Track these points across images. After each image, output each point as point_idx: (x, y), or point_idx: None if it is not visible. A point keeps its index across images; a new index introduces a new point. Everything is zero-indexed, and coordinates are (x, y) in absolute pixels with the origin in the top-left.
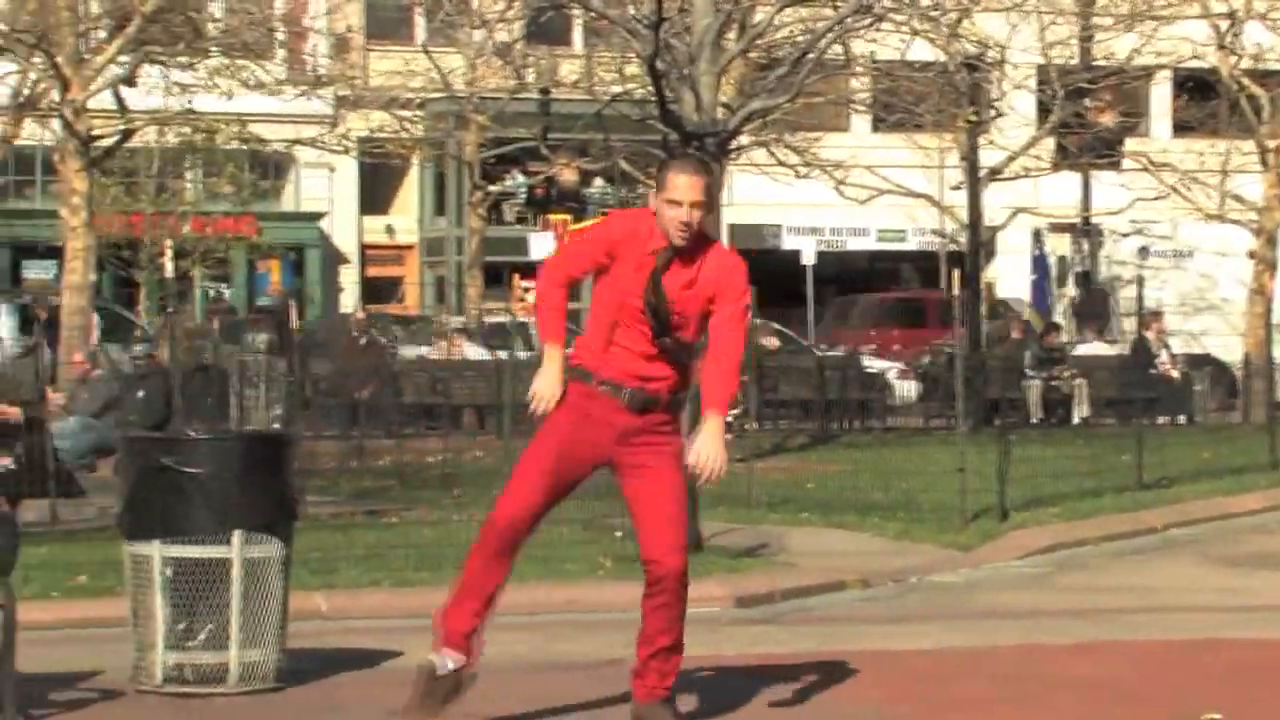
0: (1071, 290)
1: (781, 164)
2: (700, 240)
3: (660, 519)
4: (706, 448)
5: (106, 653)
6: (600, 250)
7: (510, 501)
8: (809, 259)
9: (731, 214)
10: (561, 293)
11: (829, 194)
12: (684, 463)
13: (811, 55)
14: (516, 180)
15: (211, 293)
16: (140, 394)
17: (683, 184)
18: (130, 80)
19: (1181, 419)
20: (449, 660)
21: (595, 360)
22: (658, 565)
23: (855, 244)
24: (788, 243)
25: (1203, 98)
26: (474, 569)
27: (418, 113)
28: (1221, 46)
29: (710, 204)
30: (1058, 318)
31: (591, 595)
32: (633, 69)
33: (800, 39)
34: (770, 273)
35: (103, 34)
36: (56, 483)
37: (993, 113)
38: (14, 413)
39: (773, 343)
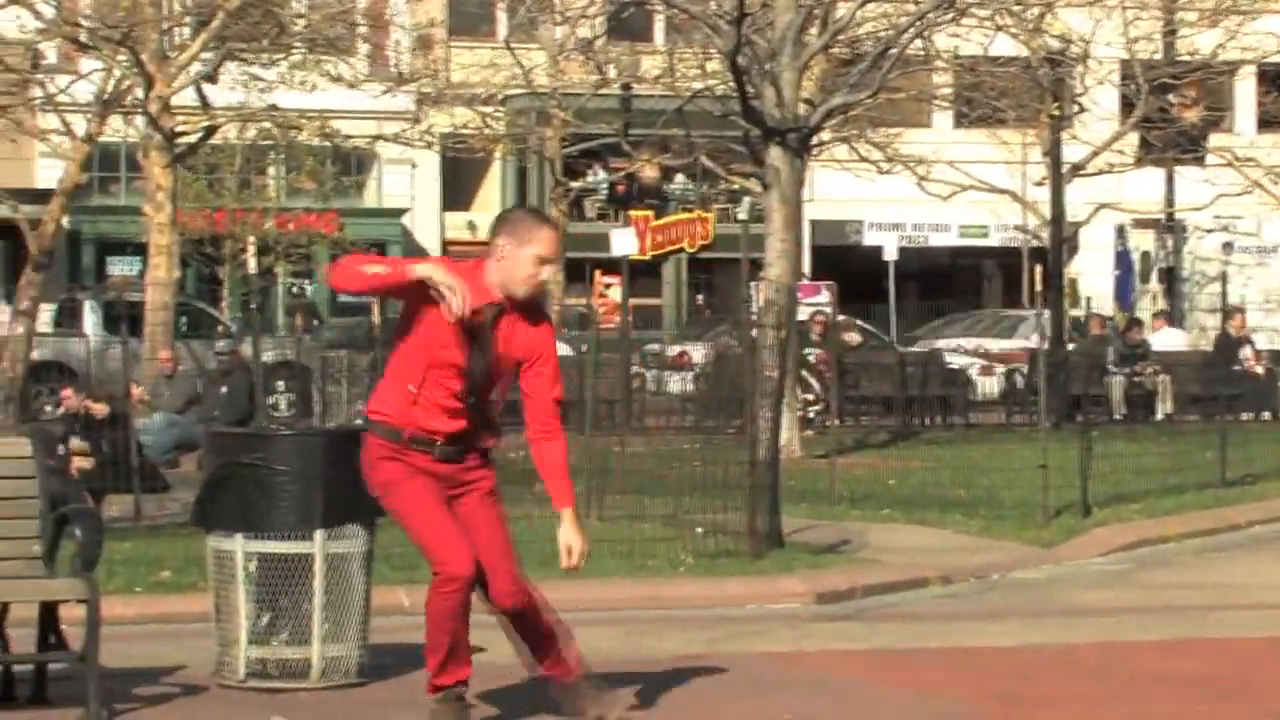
0: (1155, 286)
1: (863, 160)
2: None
3: (494, 564)
4: (569, 540)
5: (189, 648)
6: (410, 284)
7: (455, 555)
8: (891, 255)
9: (813, 210)
10: (364, 264)
11: (911, 189)
12: (498, 494)
13: (894, 51)
14: (598, 176)
15: (294, 289)
16: (224, 390)
17: (552, 240)
18: (213, 77)
19: (1265, 415)
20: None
21: (397, 417)
22: (499, 602)
23: (937, 240)
24: (869, 239)
25: None
26: (453, 630)
27: (499, 108)
28: None
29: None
30: (1141, 313)
31: (673, 591)
32: (714, 65)
33: (882, 34)
34: (852, 269)
35: (186, 31)
36: (141, 478)
37: (1076, 108)
38: (100, 408)
39: (854, 338)
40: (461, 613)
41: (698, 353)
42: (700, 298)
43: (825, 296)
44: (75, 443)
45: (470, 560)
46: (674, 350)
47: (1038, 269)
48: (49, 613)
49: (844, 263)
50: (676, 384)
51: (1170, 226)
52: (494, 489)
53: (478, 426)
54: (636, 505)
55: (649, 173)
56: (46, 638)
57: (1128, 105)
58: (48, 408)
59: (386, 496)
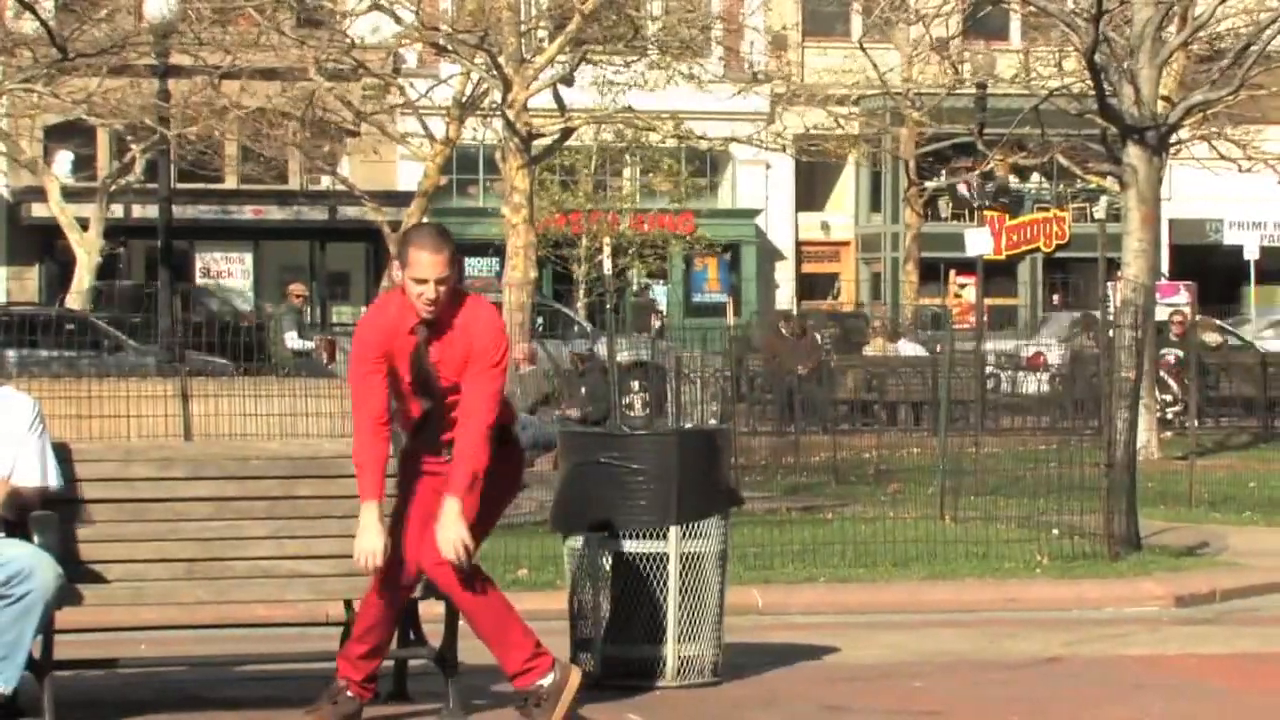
0: None
1: (1223, 158)
2: (451, 302)
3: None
4: (444, 535)
5: (546, 645)
6: (376, 365)
7: (397, 569)
8: (1252, 254)
9: (1171, 209)
10: (378, 439)
11: (1273, 187)
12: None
13: (1255, 47)
14: (953, 176)
15: (636, 287)
16: (583, 390)
17: (425, 262)
18: (569, 79)
19: None
20: (350, 694)
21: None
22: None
23: None
24: (1229, 237)
25: None
26: (370, 617)
27: (853, 109)
28: None
29: (455, 273)
30: None
31: (1029, 593)
32: (1071, 63)
33: (1243, 30)
34: (1211, 268)
35: (543, 34)
36: None
37: None
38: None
39: (1214, 339)
40: (383, 608)
41: (1053, 353)
42: (1056, 298)
43: (1184, 296)
44: None
45: (410, 576)
46: (1029, 351)
47: None
48: (409, 610)
49: (1203, 261)
50: (1031, 384)
51: None
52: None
53: (436, 426)
54: (991, 506)
55: (1004, 172)
56: (406, 634)
57: None
58: None
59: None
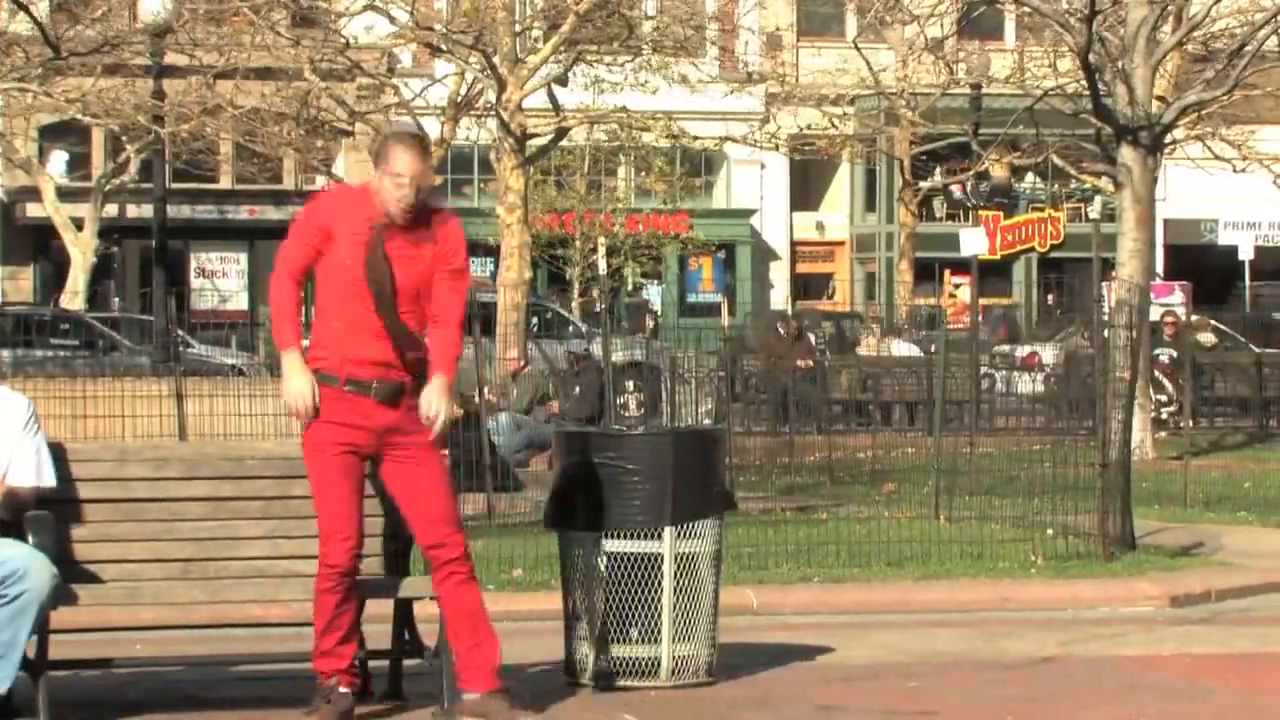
0: None
1: (1218, 158)
2: (421, 212)
3: (434, 506)
4: (431, 401)
5: (541, 645)
6: (312, 234)
7: (336, 544)
8: (1246, 254)
9: (1166, 208)
10: (290, 292)
11: (1268, 188)
12: (438, 452)
13: (1249, 47)
14: (947, 176)
15: (630, 290)
16: (576, 389)
17: (405, 160)
18: (563, 79)
19: None
20: (342, 686)
21: (331, 355)
22: (444, 549)
23: None
24: (1224, 237)
25: None
26: (328, 610)
27: (848, 109)
28: None
29: (428, 185)
30: None
31: (1024, 593)
32: (1065, 63)
33: (1238, 31)
34: (1206, 268)
35: (537, 34)
36: (493, 476)
37: None
38: (457, 411)
39: (1209, 339)
40: (337, 599)
41: (1048, 353)
42: (1050, 297)
43: (1178, 296)
44: None
45: (349, 551)
46: (1023, 351)
47: None
48: (404, 610)
49: (1198, 261)
50: (1026, 385)
51: None
52: (432, 444)
53: (403, 348)
54: (985, 506)
55: (999, 172)
56: (401, 634)
57: None
58: None
59: (308, 460)
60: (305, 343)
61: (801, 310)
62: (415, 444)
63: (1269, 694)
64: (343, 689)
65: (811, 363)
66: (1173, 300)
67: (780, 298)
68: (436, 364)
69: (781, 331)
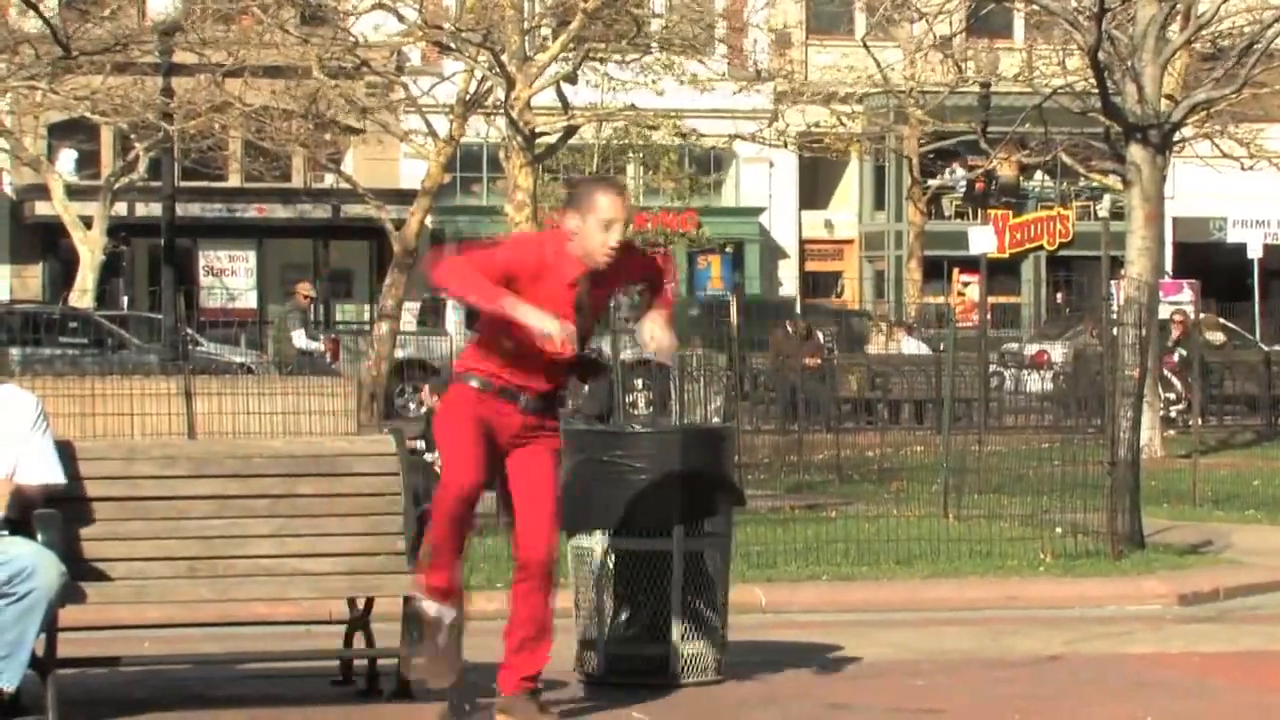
0: None
1: (1226, 156)
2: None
3: (538, 513)
4: (656, 328)
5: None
6: (510, 270)
7: (460, 470)
8: (1255, 252)
9: (1175, 207)
10: (476, 272)
11: (1277, 186)
12: (559, 459)
13: (1258, 45)
14: (956, 174)
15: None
16: (586, 387)
17: (614, 204)
18: (573, 77)
19: None
20: (445, 613)
21: (494, 369)
22: (534, 552)
23: None
24: (1233, 235)
25: None
26: (440, 536)
27: (856, 107)
28: None
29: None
30: None
31: (1032, 591)
32: (1074, 61)
33: (1246, 29)
34: (1215, 266)
35: (546, 32)
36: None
37: None
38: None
39: (1218, 337)
40: (451, 521)
41: (1056, 351)
42: (1059, 296)
43: (1187, 295)
44: None
45: (473, 477)
46: (1032, 349)
47: None
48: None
49: (1206, 260)
50: (1035, 383)
51: None
52: (558, 450)
53: (559, 378)
54: (994, 504)
55: (1007, 170)
56: (411, 632)
57: None
58: (410, 406)
59: (443, 430)
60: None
61: (808, 308)
62: (541, 450)
63: (1277, 692)
64: (449, 609)
65: (820, 361)
66: (1182, 299)
67: (789, 296)
68: (657, 300)
69: (790, 330)
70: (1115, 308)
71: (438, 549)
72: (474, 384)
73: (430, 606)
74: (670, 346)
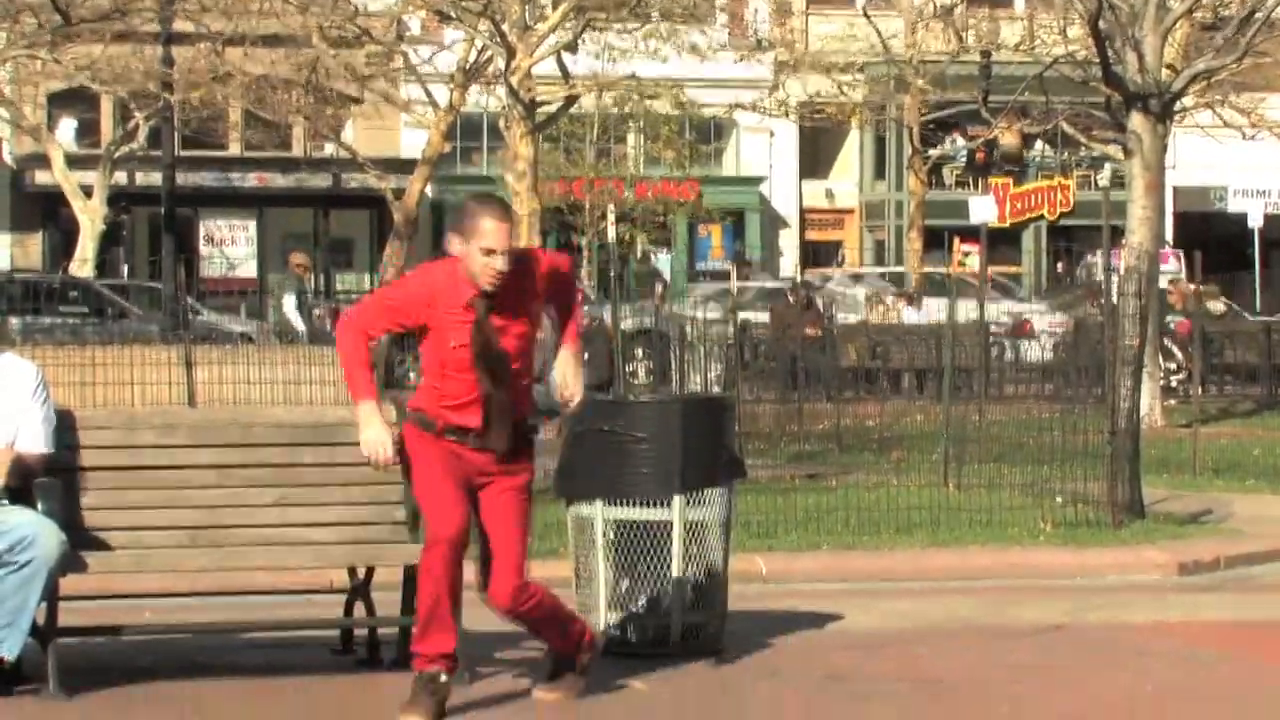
0: None
1: (1227, 125)
2: (511, 268)
3: (503, 559)
4: (565, 378)
5: None
6: (400, 315)
7: (442, 520)
8: (1256, 222)
9: (1176, 176)
10: (363, 347)
11: (1277, 155)
12: (528, 495)
13: (1259, 14)
14: (956, 144)
15: (639, 257)
16: (586, 355)
17: (496, 231)
18: (573, 46)
19: None
20: (443, 674)
21: (434, 409)
22: (494, 595)
23: None
24: (1234, 205)
25: None
26: (434, 594)
27: (857, 76)
28: None
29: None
30: None
31: (1032, 560)
32: (1075, 30)
33: None
34: (1216, 236)
35: (546, 1)
36: None
37: None
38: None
39: (1219, 307)
40: (444, 577)
41: (1041, 320)
42: (1060, 265)
43: (1173, 265)
44: None
45: (456, 525)
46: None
47: None
48: (413, 577)
49: (1207, 230)
50: (1035, 352)
51: None
52: (527, 485)
53: (505, 412)
54: (994, 474)
55: (1008, 140)
56: (410, 601)
57: None
58: (411, 375)
59: (412, 454)
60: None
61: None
62: (506, 482)
63: (1277, 661)
64: (444, 676)
65: (820, 331)
66: (1168, 269)
67: (789, 265)
68: (565, 339)
69: (790, 300)
70: (1095, 271)
71: (435, 612)
72: (421, 426)
73: (437, 673)
74: (581, 391)
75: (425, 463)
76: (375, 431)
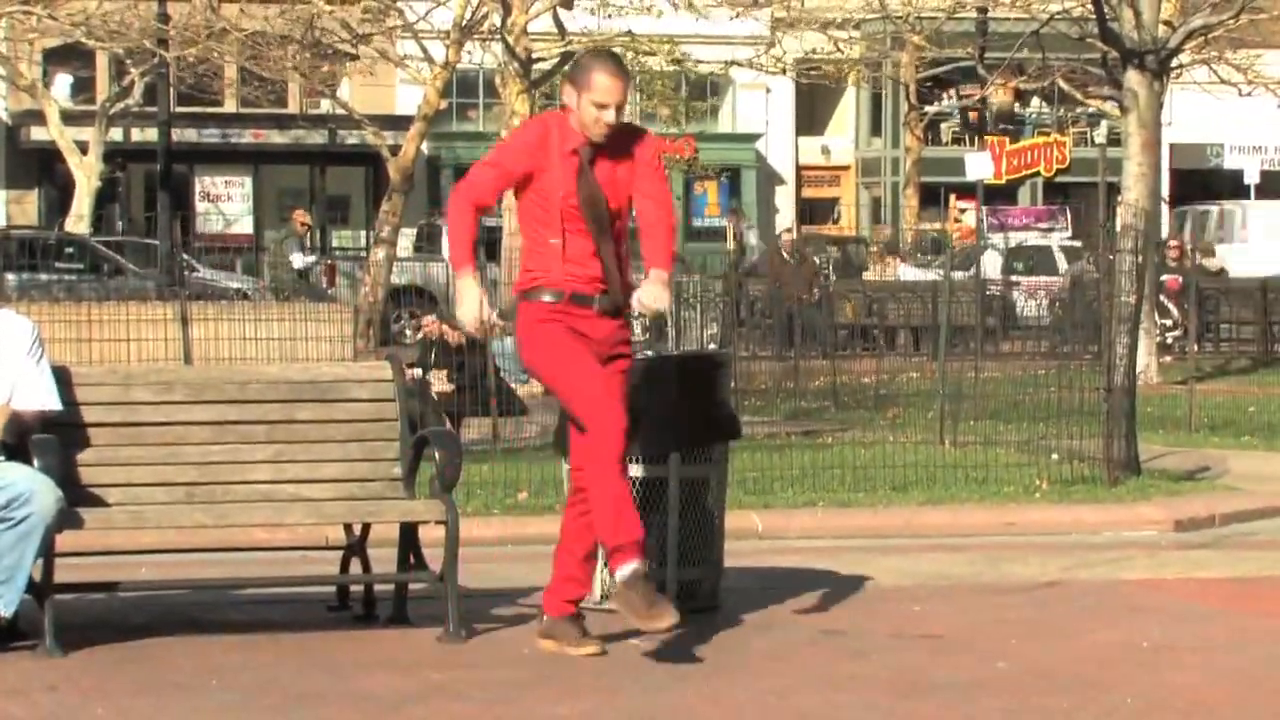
0: None
1: (1224, 82)
2: (617, 131)
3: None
4: (651, 293)
5: (546, 569)
6: (510, 170)
7: (608, 408)
8: (1252, 178)
9: (1172, 133)
10: (471, 218)
11: (1273, 111)
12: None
13: None
14: (953, 101)
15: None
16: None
17: (607, 86)
18: (569, 2)
19: None
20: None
21: (550, 274)
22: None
23: None
24: (1230, 161)
25: None
26: (617, 494)
27: (854, 33)
28: None
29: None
30: None
31: (1028, 517)
32: None
33: None
34: (1212, 192)
35: None
36: (498, 401)
37: None
38: (456, 335)
39: (1216, 263)
40: (625, 471)
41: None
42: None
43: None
44: (434, 373)
45: (623, 414)
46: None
47: None
48: (409, 534)
49: (1204, 186)
50: (1032, 309)
51: None
52: (628, 368)
53: (618, 270)
54: (990, 431)
55: (1004, 96)
56: (407, 558)
57: None
58: (407, 332)
59: (541, 358)
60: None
61: (807, 236)
62: (620, 368)
63: (1272, 617)
64: (644, 566)
65: (815, 291)
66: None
67: (785, 222)
68: (653, 260)
69: (785, 255)
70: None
71: (621, 507)
72: (546, 299)
73: (642, 566)
74: (661, 307)
75: (559, 347)
76: (470, 302)
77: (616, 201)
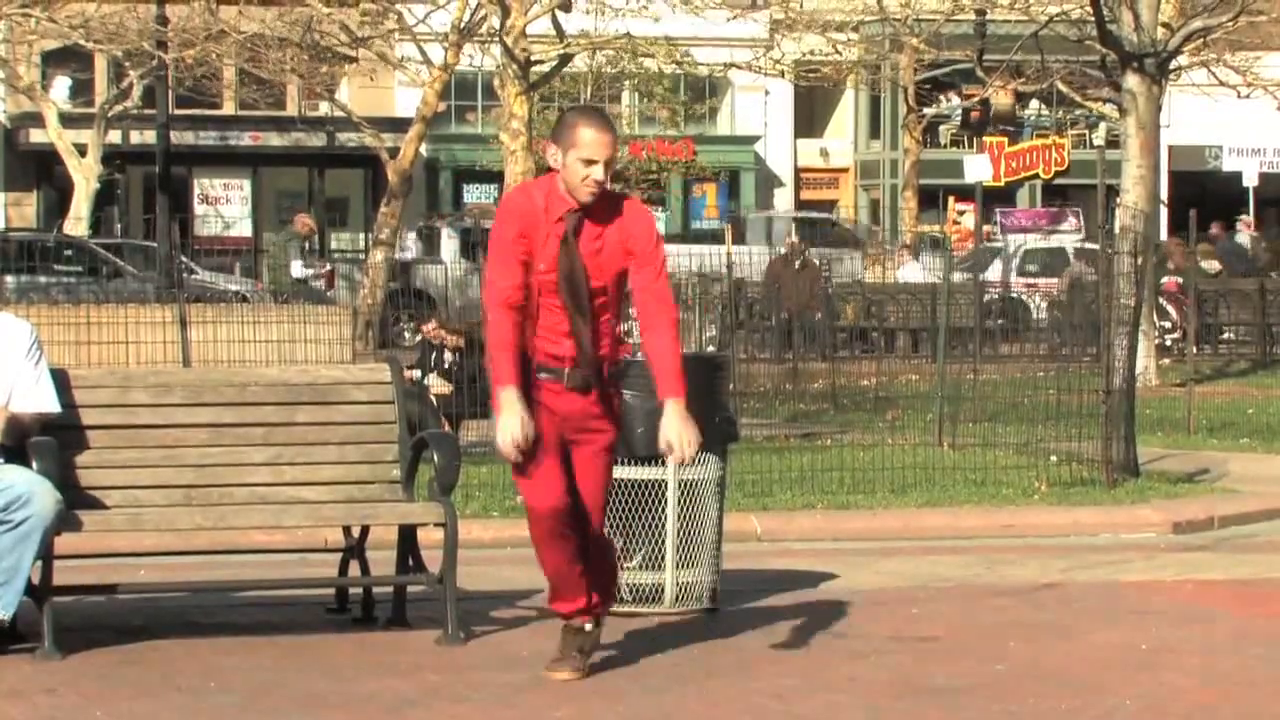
0: None
1: (1222, 84)
2: (607, 197)
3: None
4: (673, 430)
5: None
6: (515, 246)
7: (539, 492)
8: (1251, 180)
9: (1170, 135)
10: (510, 322)
11: (1272, 114)
12: (612, 455)
13: None
14: (951, 103)
15: None
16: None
17: (593, 140)
18: (567, 4)
19: None
20: (587, 625)
21: (528, 343)
22: None
23: None
24: (1229, 164)
25: None
26: (553, 564)
27: (852, 35)
28: None
29: (614, 160)
30: None
31: (1027, 519)
32: None
33: None
34: (1211, 195)
35: None
36: None
37: None
38: (454, 340)
39: (1214, 266)
40: (557, 547)
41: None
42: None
43: (1072, 223)
44: (432, 376)
45: (556, 494)
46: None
47: None
48: (408, 536)
49: (1202, 188)
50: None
51: None
52: (610, 446)
53: (594, 345)
54: (989, 433)
55: (1003, 99)
56: (405, 560)
57: None
58: (406, 335)
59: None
60: None
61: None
62: (593, 443)
63: (1272, 619)
64: (588, 626)
65: (815, 292)
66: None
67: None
68: (665, 390)
69: (786, 257)
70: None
71: (561, 578)
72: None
73: (581, 625)
74: (692, 448)
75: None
76: (508, 422)
77: (601, 278)
